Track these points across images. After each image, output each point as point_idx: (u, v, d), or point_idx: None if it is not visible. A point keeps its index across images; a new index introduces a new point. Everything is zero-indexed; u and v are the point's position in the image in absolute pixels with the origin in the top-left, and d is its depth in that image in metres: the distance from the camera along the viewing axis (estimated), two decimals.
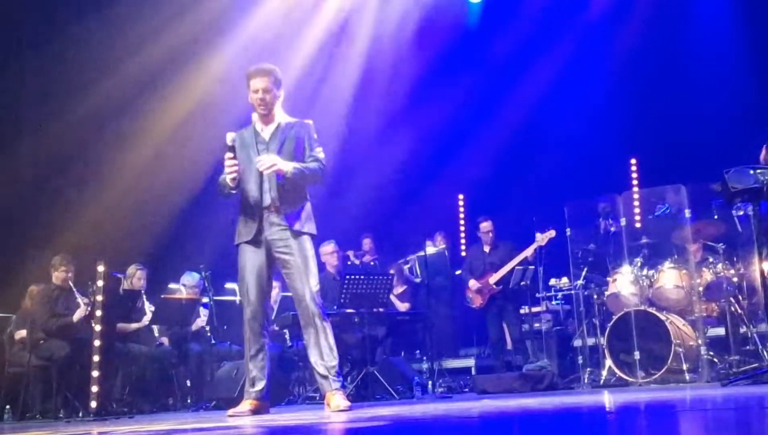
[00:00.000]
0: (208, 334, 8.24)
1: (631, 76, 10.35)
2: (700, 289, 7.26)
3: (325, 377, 4.97)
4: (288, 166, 4.98)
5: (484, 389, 7.51)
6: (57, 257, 7.45)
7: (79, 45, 9.52)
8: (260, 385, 5.08)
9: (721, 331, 7.36)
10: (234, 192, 5.10)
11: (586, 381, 7.64)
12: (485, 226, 8.79)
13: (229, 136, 5.02)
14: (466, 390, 8.32)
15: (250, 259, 5.07)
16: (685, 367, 6.90)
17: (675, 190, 7.66)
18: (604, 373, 7.42)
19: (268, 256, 5.09)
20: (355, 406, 5.17)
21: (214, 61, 10.15)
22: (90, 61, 9.63)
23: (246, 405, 5.03)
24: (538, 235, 8.27)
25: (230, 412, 5.04)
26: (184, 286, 8.35)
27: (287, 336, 8.46)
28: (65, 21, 9.58)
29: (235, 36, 10.22)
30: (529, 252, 8.42)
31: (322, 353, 4.97)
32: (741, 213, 6.85)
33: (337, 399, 4.89)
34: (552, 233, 8.23)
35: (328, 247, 8.25)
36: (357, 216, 10.41)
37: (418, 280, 9.92)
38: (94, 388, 6.52)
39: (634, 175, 9.86)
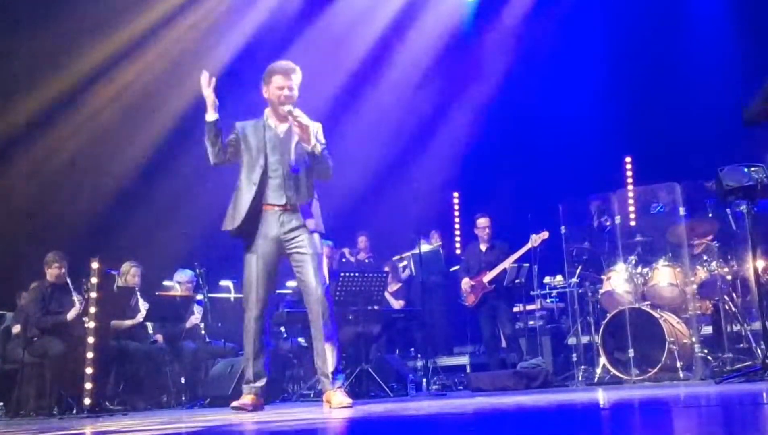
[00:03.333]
0: (203, 331, 8.23)
1: (626, 75, 10.36)
2: (694, 286, 7.27)
3: (326, 375, 4.96)
4: (314, 140, 5.02)
5: (478, 387, 7.51)
6: (50, 254, 7.41)
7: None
8: (262, 381, 5.11)
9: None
10: (221, 132, 5.04)
11: (580, 379, 7.66)
12: (482, 222, 8.77)
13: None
14: (461, 388, 8.32)
15: (259, 257, 5.05)
16: (679, 364, 6.91)
17: (669, 188, 7.68)
18: (599, 370, 7.43)
19: (278, 254, 5.10)
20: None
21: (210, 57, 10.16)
22: (69, 52, 9.62)
23: (248, 398, 5.05)
24: (533, 236, 8.27)
25: (235, 404, 5.05)
26: (178, 283, 8.35)
27: (283, 332, 8.45)
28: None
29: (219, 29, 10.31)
30: (522, 252, 8.42)
31: (326, 350, 4.97)
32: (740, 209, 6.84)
33: (339, 397, 4.88)
34: (545, 235, 8.22)
35: (324, 249, 8.22)
36: (352, 214, 10.41)
37: (405, 274, 9.91)
38: (88, 385, 6.51)
39: (629, 173, 9.88)
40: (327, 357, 4.97)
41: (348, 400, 4.88)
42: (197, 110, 9.98)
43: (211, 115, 5.03)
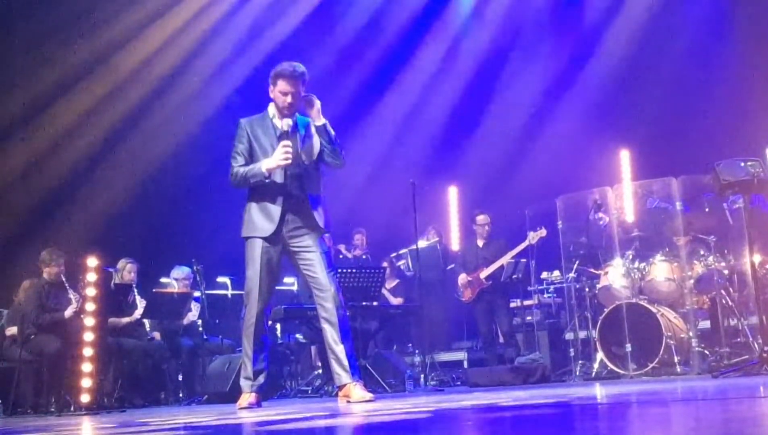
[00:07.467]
0: (200, 328, 8.23)
1: (623, 69, 10.36)
2: (691, 281, 7.28)
3: (344, 368, 4.94)
4: (321, 120, 5.02)
5: (476, 382, 7.53)
6: (45, 252, 7.38)
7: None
8: (262, 378, 5.12)
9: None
10: (267, 181, 4.98)
11: (577, 373, 7.67)
12: (481, 219, 8.76)
13: (286, 122, 5.02)
14: (458, 383, 8.33)
15: (265, 254, 5.01)
16: (676, 359, 6.92)
17: (666, 183, 7.68)
18: (596, 365, 7.44)
19: (283, 252, 5.08)
20: None
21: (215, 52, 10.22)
22: (78, 53, 9.60)
23: (252, 397, 5.05)
24: (530, 234, 8.27)
25: (243, 404, 5.03)
26: (175, 280, 8.34)
27: (278, 330, 8.46)
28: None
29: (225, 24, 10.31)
30: (519, 249, 8.42)
31: (343, 345, 4.96)
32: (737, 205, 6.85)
33: (359, 390, 4.88)
34: (543, 232, 8.21)
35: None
36: (349, 210, 10.39)
37: (409, 273, 9.91)
38: (86, 383, 6.50)
39: (626, 168, 9.87)
40: (344, 352, 4.95)
41: (369, 395, 4.89)
42: (198, 110, 10.15)
43: (266, 173, 4.94)
